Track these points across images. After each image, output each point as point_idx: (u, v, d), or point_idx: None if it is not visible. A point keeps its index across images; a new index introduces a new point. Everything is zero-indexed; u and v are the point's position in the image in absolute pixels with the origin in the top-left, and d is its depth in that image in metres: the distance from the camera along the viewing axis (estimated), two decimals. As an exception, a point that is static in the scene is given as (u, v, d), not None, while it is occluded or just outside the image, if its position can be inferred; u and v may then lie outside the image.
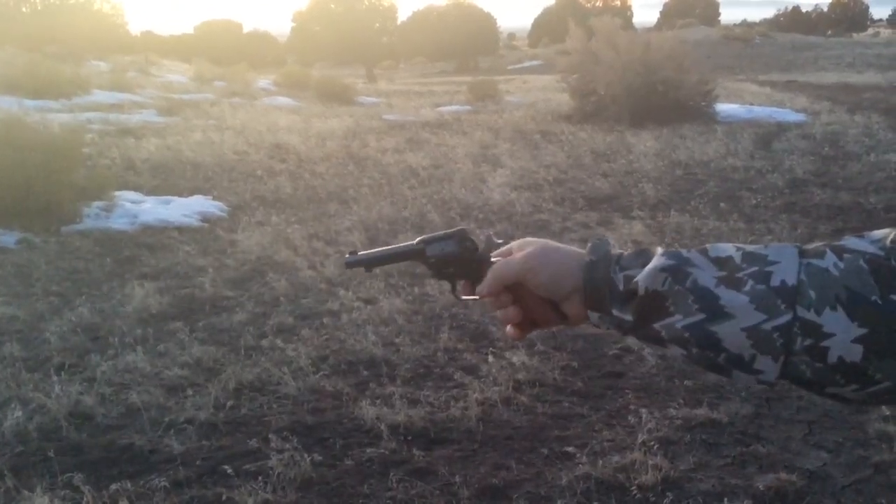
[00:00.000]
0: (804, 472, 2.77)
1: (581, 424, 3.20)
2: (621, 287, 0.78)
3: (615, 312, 0.79)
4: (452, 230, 0.96)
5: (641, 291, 0.76)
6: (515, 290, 0.88)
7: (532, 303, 0.88)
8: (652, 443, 2.92)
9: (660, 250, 0.78)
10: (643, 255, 0.79)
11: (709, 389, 3.45)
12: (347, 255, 1.03)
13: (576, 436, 3.10)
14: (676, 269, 0.74)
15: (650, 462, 2.78)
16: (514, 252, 0.89)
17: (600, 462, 2.85)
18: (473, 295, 0.94)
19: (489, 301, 0.90)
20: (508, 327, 0.92)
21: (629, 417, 3.20)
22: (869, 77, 21.90)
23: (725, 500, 2.60)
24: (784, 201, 7.23)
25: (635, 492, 2.66)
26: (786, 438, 3.03)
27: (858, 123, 11.75)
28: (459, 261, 0.95)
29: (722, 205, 7.08)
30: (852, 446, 2.96)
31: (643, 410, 3.20)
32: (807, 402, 3.28)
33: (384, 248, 1.01)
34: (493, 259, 0.91)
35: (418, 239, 0.97)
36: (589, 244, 0.84)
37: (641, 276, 0.76)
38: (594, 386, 3.56)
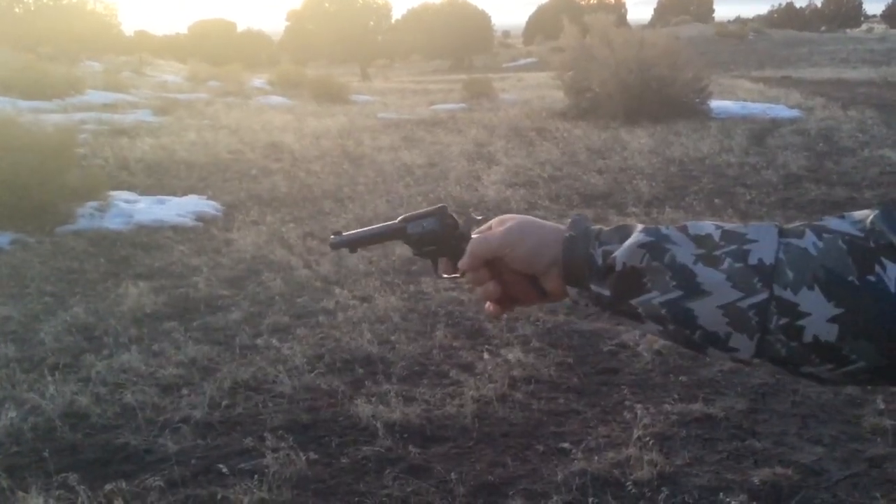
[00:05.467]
0: (799, 467, 2.78)
1: (576, 421, 3.20)
2: (600, 262, 0.78)
3: (593, 288, 0.79)
4: (433, 208, 0.96)
5: (619, 267, 0.75)
6: (495, 266, 0.88)
7: (511, 279, 0.87)
8: (647, 438, 2.92)
9: (639, 227, 0.78)
10: (622, 231, 0.79)
11: (704, 385, 3.46)
12: (332, 236, 1.03)
13: (571, 432, 3.11)
14: (655, 246, 0.74)
15: (646, 457, 2.79)
16: (494, 227, 0.89)
17: (596, 458, 2.85)
18: (455, 273, 0.94)
19: (469, 277, 0.90)
20: (487, 304, 0.91)
21: (625, 413, 3.20)
22: (863, 72, 21.94)
23: (721, 494, 2.61)
24: (778, 197, 7.25)
25: (631, 487, 2.67)
26: (781, 433, 3.04)
27: (852, 119, 11.77)
28: (440, 238, 0.94)
29: (716, 201, 7.09)
30: (847, 440, 2.97)
31: (638, 406, 3.20)
32: (802, 397, 3.29)
33: (367, 227, 1.01)
34: (473, 236, 0.91)
35: (400, 217, 0.97)
36: (569, 220, 0.84)
37: (620, 252, 0.76)
38: (589, 382, 3.57)
